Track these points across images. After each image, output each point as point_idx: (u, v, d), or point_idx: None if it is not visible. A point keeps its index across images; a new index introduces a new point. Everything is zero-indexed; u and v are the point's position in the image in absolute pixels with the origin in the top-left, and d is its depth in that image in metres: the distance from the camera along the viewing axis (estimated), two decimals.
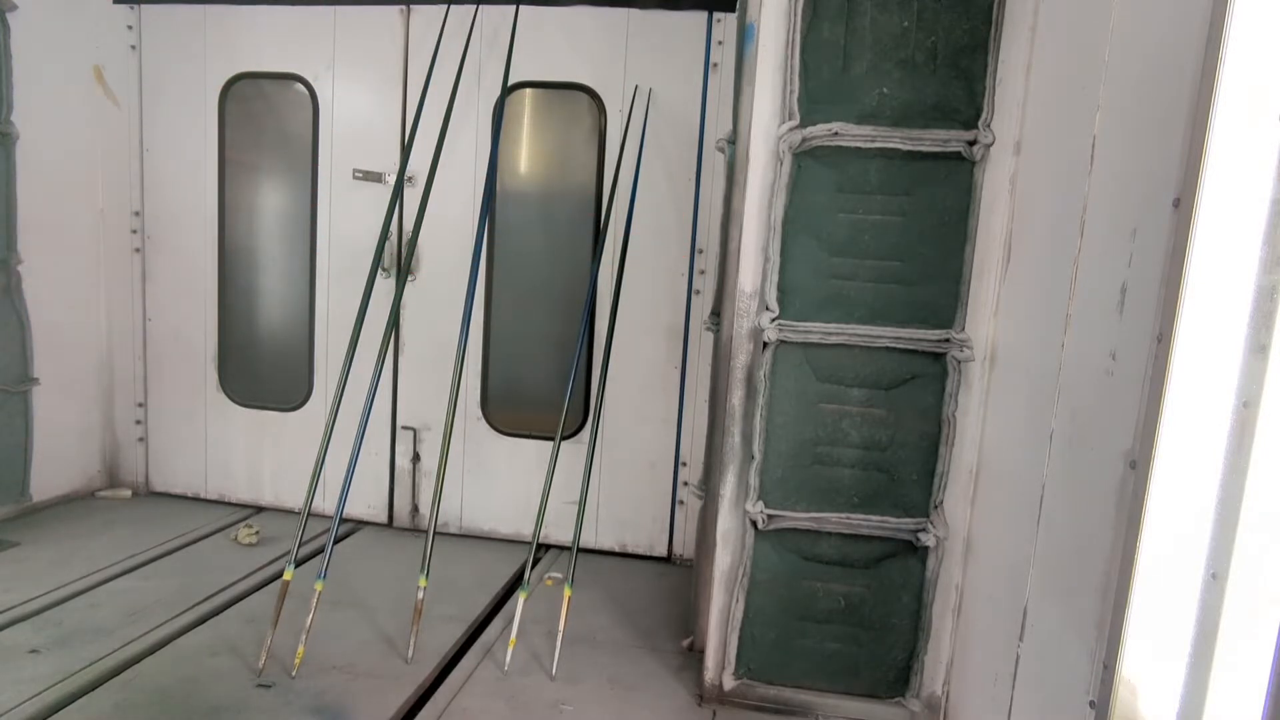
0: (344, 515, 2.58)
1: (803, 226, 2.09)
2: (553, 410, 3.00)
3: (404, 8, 3.31)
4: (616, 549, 3.45)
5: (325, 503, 3.47)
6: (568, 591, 2.49)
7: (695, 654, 2.50)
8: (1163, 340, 1.24)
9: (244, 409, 3.68)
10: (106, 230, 3.63)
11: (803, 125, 2.04)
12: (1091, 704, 1.37)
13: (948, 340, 2.07)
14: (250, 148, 3.58)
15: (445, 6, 3.20)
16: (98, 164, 3.58)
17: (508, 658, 2.42)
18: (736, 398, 2.19)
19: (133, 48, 3.56)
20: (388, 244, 3.34)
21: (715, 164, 3.13)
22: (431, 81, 3.02)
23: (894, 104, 2.03)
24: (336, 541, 2.58)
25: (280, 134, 3.55)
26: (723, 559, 2.26)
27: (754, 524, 2.18)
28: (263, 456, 3.69)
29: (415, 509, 3.56)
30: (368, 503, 3.58)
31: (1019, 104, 1.99)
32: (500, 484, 3.50)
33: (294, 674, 2.28)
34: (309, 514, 2.47)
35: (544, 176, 3.47)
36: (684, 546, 3.38)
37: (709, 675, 2.29)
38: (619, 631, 2.72)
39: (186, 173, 3.58)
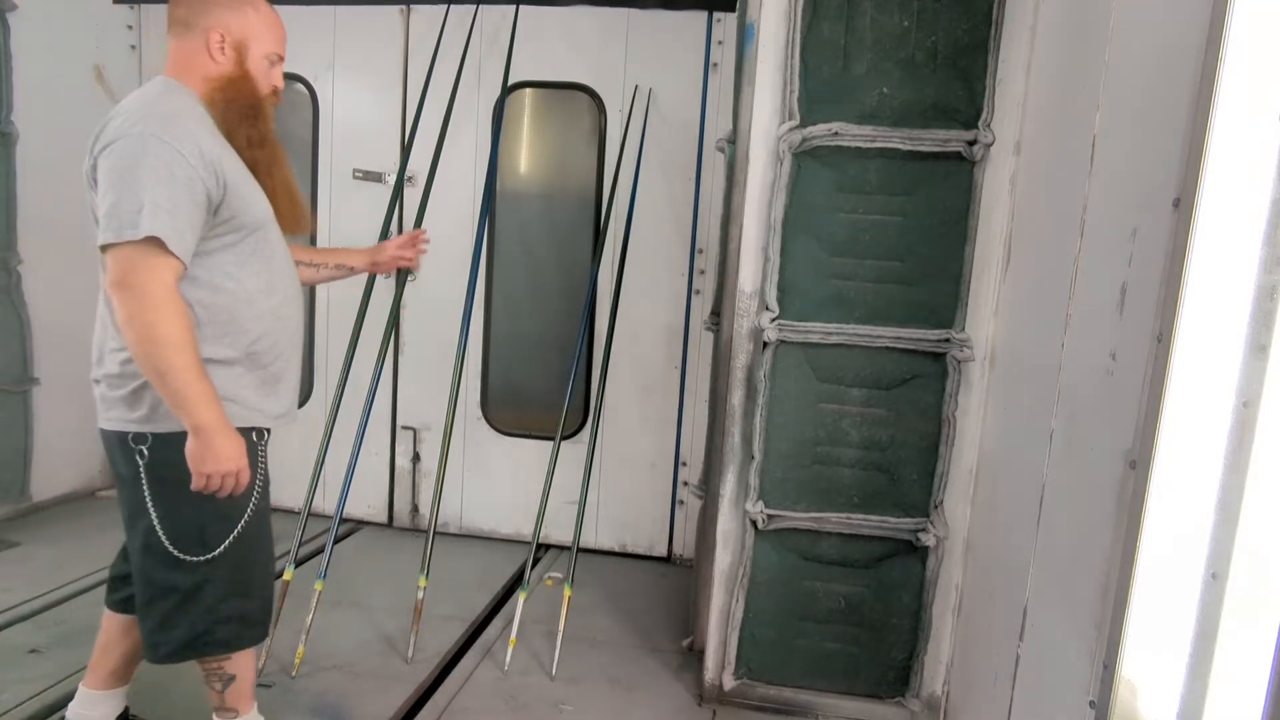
0: (344, 515, 2.58)
1: (803, 226, 2.09)
2: (553, 410, 3.00)
3: (404, 8, 3.31)
4: (616, 549, 3.45)
5: (325, 502, 3.47)
6: (568, 591, 2.49)
7: (695, 654, 2.50)
8: (1163, 340, 1.24)
9: None
10: None
11: (803, 125, 2.04)
12: (1091, 704, 1.37)
13: (948, 340, 2.07)
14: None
15: (445, 6, 3.20)
16: None
17: (508, 658, 2.42)
18: (736, 398, 2.19)
19: (133, 48, 3.56)
20: None
21: (715, 164, 3.13)
22: (431, 81, 3.01)
23: (894, 104, 2.03)
24: (336, 541, 2.58)
25: (280, 134, 3.54)
26: (723, 559, 2.26)
27: (754, 524, 2.18)
28: None
29: (415, 509, 3.55)
30: (367, 503, 3.58)
31: (1019, 104, 1.99)
32: (500, 484, 3.50)
33: (294, 674, 2.28)
34: (309, 514, 2.47)
35: (544, 176, 3.48)
36: (684, 546, 3.38)
37: (709, 675, 2.29)
38: (619, 631, 2.72)
39: None
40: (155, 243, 1.39)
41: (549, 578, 3.14)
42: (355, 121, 3.40)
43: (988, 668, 1.91)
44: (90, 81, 3.54)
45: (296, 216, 1.68)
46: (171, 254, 1.41)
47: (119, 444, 1.55)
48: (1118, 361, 1.39)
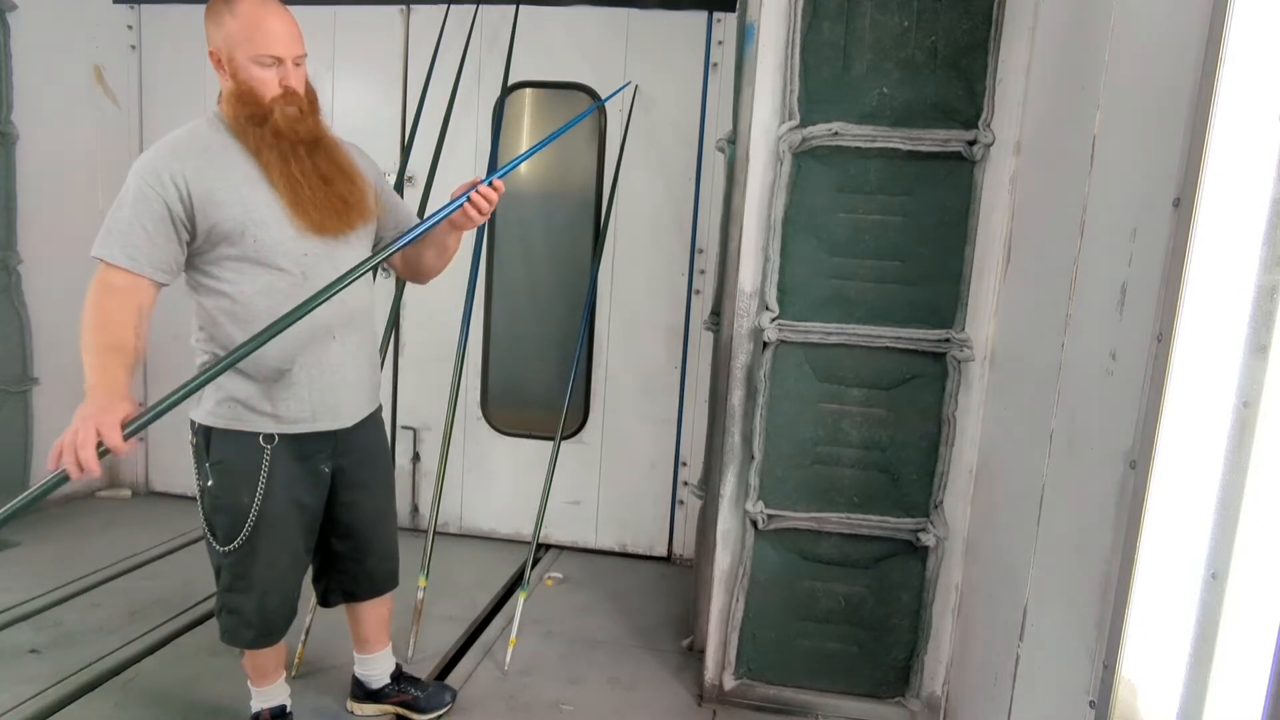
0: None
1: (803, 226, 2.09)
2: (553, 410, 3.00)
3: (404, 7, 3.30)
4: (616, 549, 3.45)
5: None
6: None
7: (695, 654, 2.50)
8: (1163, 340, 1.24)
9: None
10: None
11: (803, 125, 2.04)
12: (1091, 704, 1.37)
13: (948, 340, 2.07)
14: None
15: (445, 6, 3.20)
16: (98, 164, 3.58)
17: (508, 658, 2.42)
18: (736, 398, 2.19)
19: (133, 48, 3.56)
20: None
21: (715, 164, 3.13)
22: (431, 81, 3.01)
23: (894, 104, 2.03)
24: None
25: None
26: (723, 559, 2.26)
27: (754, 524, 2.18)
28: None
29: (415, 509, 3.55)
30: None
31: (1019, 104, 1.99)
32: (500, 484, 3.49)
33: (294, 673, 2.28)
34: None
35: (544, 176, 3.47)
36: (684, 546, 3.38)
37: (709, 675, 2.29)
38: (619, 631, 2.72)
39: None
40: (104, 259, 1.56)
41: (549, 578, 3.14)
42: (355, 121, 3.39)
43: (988, 668, 1.91)
44: (90, 82, 3.54)
45: (306, 217, 1.62)
46: (116, 266, 1.56)
47: None
48: (1118, 361, 1.39)
